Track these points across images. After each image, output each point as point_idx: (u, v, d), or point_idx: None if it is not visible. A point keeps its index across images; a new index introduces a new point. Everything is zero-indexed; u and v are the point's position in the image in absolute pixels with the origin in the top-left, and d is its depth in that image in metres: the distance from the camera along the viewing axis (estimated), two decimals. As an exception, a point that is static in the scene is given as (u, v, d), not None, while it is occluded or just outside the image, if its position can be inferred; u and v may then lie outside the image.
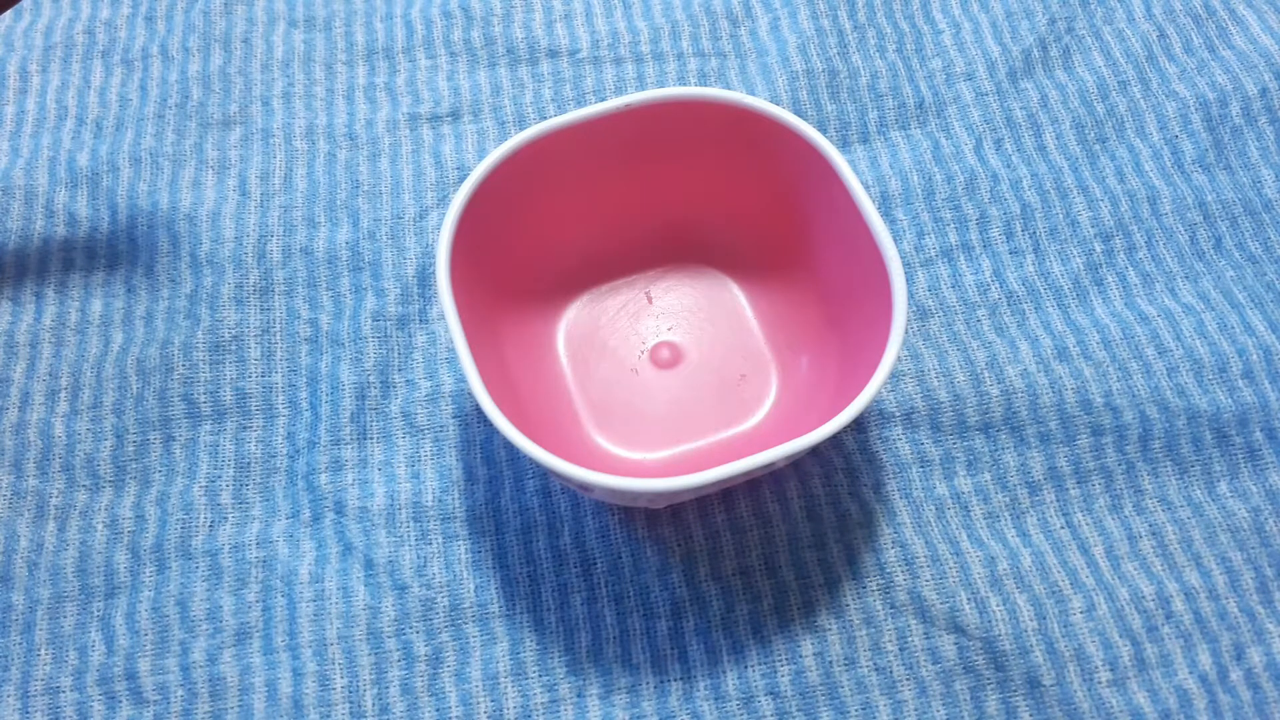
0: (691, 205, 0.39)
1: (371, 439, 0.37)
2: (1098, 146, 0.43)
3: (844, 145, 0.44)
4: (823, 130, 0.44)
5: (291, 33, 0.46)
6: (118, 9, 0.47)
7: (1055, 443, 0.37)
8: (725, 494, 0.36)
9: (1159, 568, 0.35)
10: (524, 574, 0.35)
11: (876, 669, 0.34)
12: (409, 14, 0.47)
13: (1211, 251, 0.41)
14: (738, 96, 0.35)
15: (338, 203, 0.42)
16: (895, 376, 0.38)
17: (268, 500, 0.36)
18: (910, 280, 0.40)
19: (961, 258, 0.41)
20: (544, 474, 0.37)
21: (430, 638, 0.34)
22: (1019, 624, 0.34)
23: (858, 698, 0.33)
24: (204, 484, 0.37)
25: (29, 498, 0.36)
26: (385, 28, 0.46)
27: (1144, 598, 0.35)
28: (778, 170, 0.37)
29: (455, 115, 0.44)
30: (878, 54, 0.46)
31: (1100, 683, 0.33)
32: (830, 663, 0.34)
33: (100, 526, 0.36)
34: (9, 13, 0.46)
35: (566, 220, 0.38)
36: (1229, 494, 0.36)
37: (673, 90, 0.35)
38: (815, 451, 0.37)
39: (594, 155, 0.37)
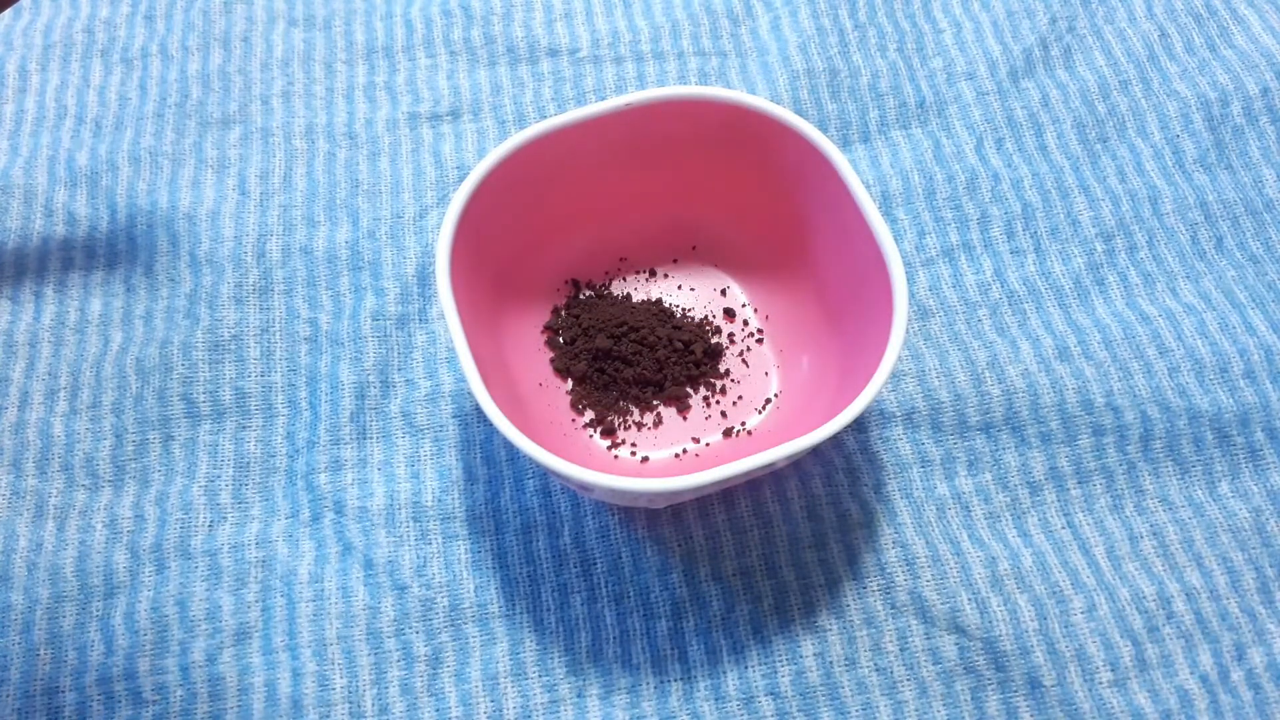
0: (692, 205, 0.39)
1: (371, 439, 0.37)
2: (1099, 146, 0.43)
3: (845, 144, 0.43)
4: (823, 129, 0.44)
5: (291, 31, 0.46)
6: (117, 8, 0.47)
7: (1056, 443, 0.37)
8: (725, 494, 0.36)
9: (1160, 568, 0.35)
10: (524, 574, 0.35)
11: (877, 669, 0.34)
12: (409, 13, 0.47)
13: (1213, 251, 0.41)
14: (738, 96, 0.35)
15: (337, 202, 0.42)
16: (896, 376, 0.38)
17: (267, 500, 0.36)
18: (911, 280, 0.40)
19: (962, 257, 0.41)
20: (544, 474, 0.37)
21: (430, 638, 0.34)
22: (1020, 624, 0.34)
23: (858, 698, 0.33)
24: (203, 484, 0.36)
25: (28, 497, 0.36)
26: (385, 26, 0.46)
27: (1145, 598, 0.35)
28: (778, 169, 0.37)
29: (455, 114, 0.44)
30: (878, 53, 0.46)
31: (1101, 683, 0.33)
32: (831, 663, 0.34)
33: (99, 526, 0.36)
34: (9, 12, 0.46)
35: (566, 220, 0.38)
36: (1230, 494, 0.36)
37: (673, 89, 0.35)
38: (816, 451, 0.37)
39: (594, 154, 0.37)
